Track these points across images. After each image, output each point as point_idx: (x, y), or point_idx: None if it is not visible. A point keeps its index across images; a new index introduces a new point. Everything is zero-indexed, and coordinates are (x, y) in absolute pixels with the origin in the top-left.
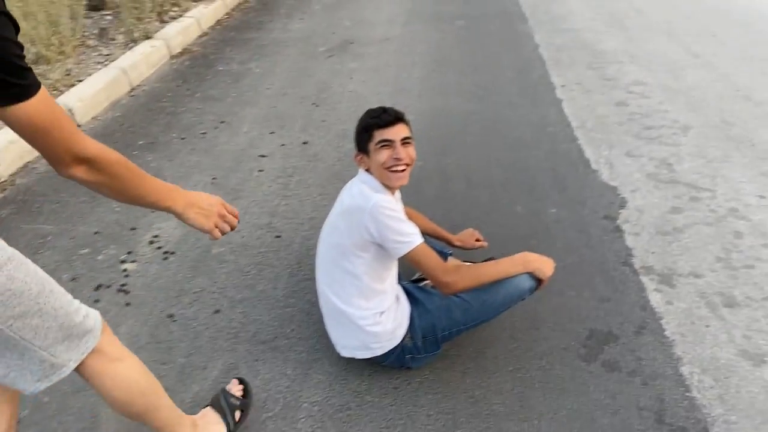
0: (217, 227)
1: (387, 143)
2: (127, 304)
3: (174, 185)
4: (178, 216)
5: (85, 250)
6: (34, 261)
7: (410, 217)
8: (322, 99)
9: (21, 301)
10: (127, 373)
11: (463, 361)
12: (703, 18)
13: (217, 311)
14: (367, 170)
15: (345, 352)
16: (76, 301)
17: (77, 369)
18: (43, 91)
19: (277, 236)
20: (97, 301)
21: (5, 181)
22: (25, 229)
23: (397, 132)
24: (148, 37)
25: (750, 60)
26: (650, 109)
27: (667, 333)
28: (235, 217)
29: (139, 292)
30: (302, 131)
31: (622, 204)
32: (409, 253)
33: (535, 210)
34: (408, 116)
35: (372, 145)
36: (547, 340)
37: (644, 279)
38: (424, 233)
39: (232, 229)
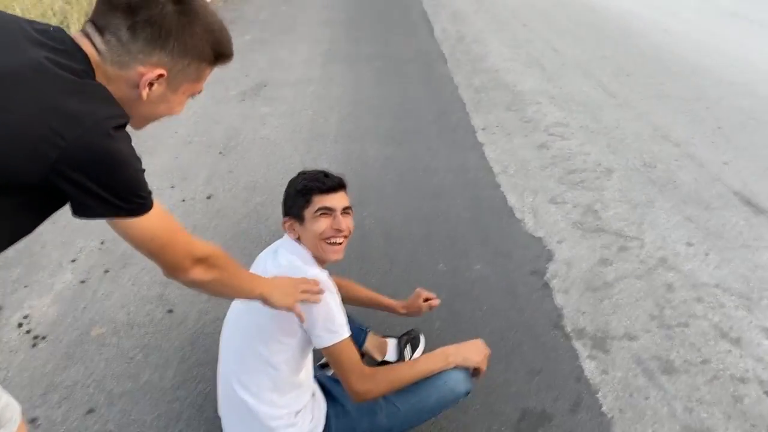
0: (297, 302)
1: (327, 211)
2: None
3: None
4: (265, 301)
5: None
6: None
7: (341, 288)
8: (230, 147)
9: None
10: None
11: None
12: (619, 57)
13: (90, 411)
14: (297, 239)
15: None
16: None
17: None
18: (156, 206)
19: (169, 311)
20: None
21: None
22: None
23: (340, 200)
24: None
25: (666, 98)
26: (572, 151)
27: (604, 409)
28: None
29: None
30: (206, 184)
31: (549, 257)
32: (331, 346)
33: (457, 267)
34: (322, 163)
35: (309, 212)
36: (476, 424)
37: (577, 344)
38: (361, 303)
39: (315, 299)
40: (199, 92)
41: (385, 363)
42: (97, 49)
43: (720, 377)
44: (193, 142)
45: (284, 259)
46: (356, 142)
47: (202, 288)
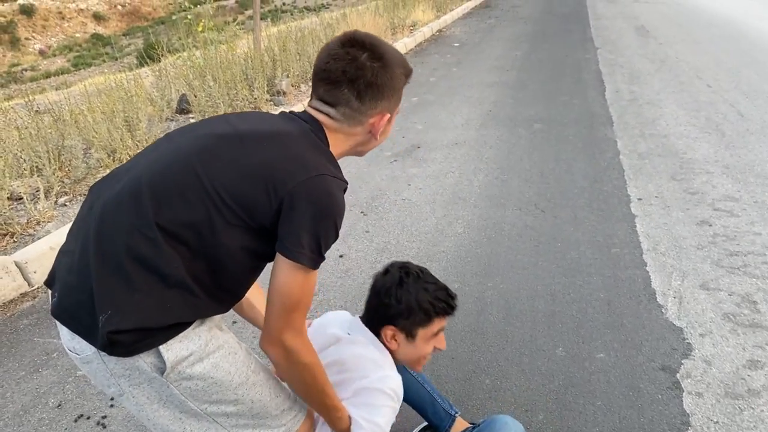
0: None
1: (440, 332)
2: None
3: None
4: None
5: (82, 372)
6: (32, 379)
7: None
8: (372, 207)
9: (220, 390)
10: None
11: None
12: None
13: None
14: (386, 346)
15: None
16: (287, 402)
17: None
18: (304, 271)
19: None
20: None
21: (37, 288)
22: (36, 342)
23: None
24: None
25: None
26: (738, 230)
27: None
28: None
29: (116, 427)
30: (342, 243)
31: (687, 352)
32: None
33: (578, 354)
34: (458, 227)
35: (424, 332)
36: None
37: None
38: None
39: None
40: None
41: None
42: (332, 118)
43: None
44: None
45: (362, 339)
46: (496, 207)
47: (294, 367)
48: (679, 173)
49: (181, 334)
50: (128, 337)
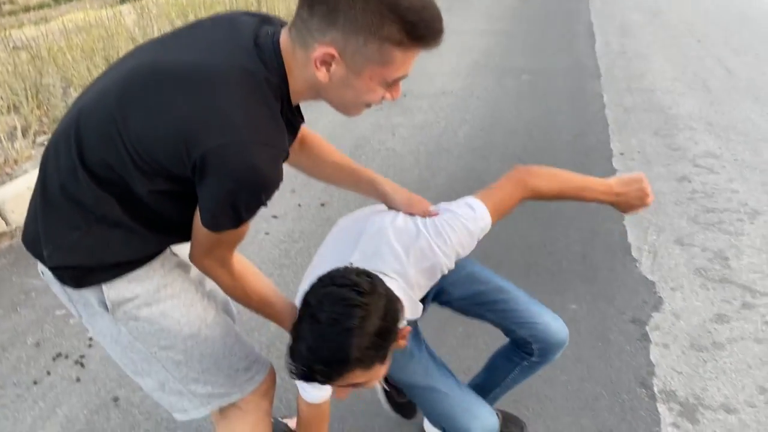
0: None
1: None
2: (78, 380)
3: None
4: None
5: (61, 312)
6: (10, 317)
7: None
8: (356, 156)
9: (167, 337)
10: None
11: None
12: None
13: None
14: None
15: None
16: (243, 362)
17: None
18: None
19: None
20: (48, 373)
21: (15, 228)
22: (15, 281)
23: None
24: None
25: None
26: (716, 187)
27: None
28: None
29: (94, 366)
30: (323, 191)
31: (657, 305)
32: None
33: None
34: (440, 179)
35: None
36: None
37: (662, 408)
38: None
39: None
40: (397, 80)
41: None
42: (289, 33)
43: None
44: None
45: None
46: (480, 159)
47: (220, 284)
48: (663, 128)
49: (130, 275)
50: (70, 273)
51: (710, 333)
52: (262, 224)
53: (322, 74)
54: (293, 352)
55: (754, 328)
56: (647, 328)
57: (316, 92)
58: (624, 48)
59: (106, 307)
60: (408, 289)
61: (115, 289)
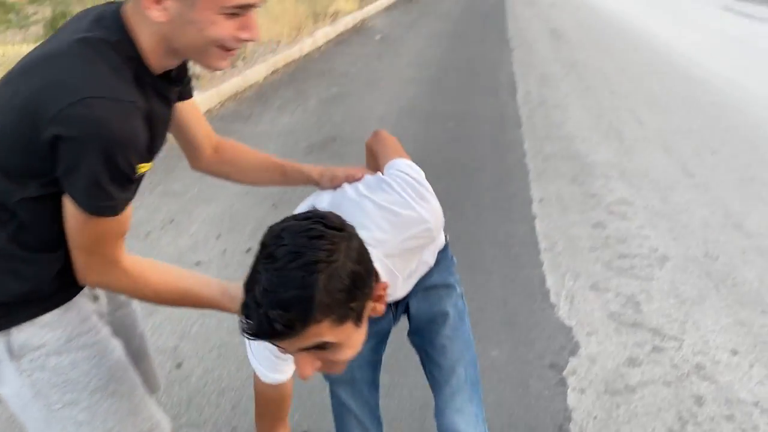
0: None
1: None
2: None
3: None
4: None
5: None
6: None
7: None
8: (284, 200)
9: (72, 390)
10: None
11: None
12: (706, 132)
13: None
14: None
15: None
16: (147, 413)
17: None
18: (87, 216)
19: (178, 365)
20: None
21: None
22: None
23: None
24: None
25: (749, 182)
26: (629, 233)
27: None
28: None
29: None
30: (250, 237)
31: (574, 350)
32: None
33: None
34: None
35: None
36: None
37: None
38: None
39: None
40: (239, 8)
41: None
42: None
43: None
44: (250, 193)
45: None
46: None
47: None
48: (579, 176)
49: (42, 319)
50: None
51: (623, 377)
52: None
53: (156, 13)
54: (246, 306)
55: (663, 371)
56: (564, 373)
57: (168, 44)
58: (543, 98)
59: (11, 355)
60: (385, 258)
61: (25, 334)
